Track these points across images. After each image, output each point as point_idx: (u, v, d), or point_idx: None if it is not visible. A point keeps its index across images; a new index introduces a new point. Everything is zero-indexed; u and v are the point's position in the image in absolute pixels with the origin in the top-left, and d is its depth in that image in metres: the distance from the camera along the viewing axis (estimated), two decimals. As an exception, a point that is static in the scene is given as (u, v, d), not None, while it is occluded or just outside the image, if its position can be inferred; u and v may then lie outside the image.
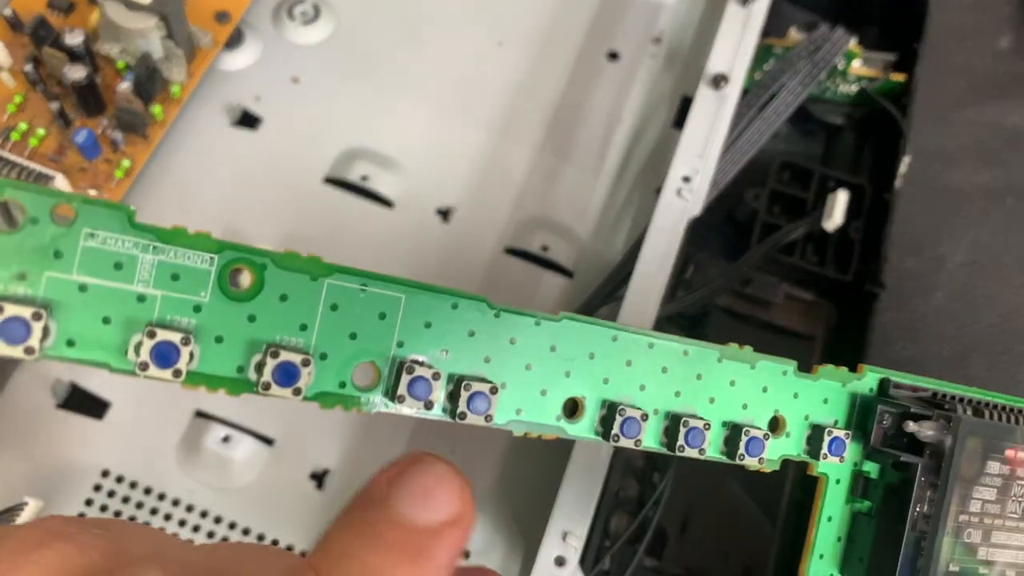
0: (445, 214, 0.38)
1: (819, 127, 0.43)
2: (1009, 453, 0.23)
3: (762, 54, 0.41)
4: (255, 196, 0.37)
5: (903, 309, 0.39)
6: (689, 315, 0.37)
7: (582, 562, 0.29)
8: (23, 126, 0.34)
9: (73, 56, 0.34)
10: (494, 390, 0.19)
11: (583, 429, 0.20)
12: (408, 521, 0.16)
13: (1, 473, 0.31)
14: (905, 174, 0.39)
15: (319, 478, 0.33)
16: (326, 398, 0.18)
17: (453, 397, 0.19)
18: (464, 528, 0.16)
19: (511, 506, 0.34)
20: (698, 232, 0.35)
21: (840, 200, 0.37)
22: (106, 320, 0.17)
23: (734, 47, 0.39)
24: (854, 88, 0.42)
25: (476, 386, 0.19)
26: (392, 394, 0.18)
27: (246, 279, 0.18)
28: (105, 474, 0.32)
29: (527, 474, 0.34)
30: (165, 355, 0.17)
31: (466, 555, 0.33)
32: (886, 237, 0.37)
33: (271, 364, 0.17)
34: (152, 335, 0.17)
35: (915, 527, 0.22)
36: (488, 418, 0.19)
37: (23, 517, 0.29)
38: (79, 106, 0.35)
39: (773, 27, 0.41)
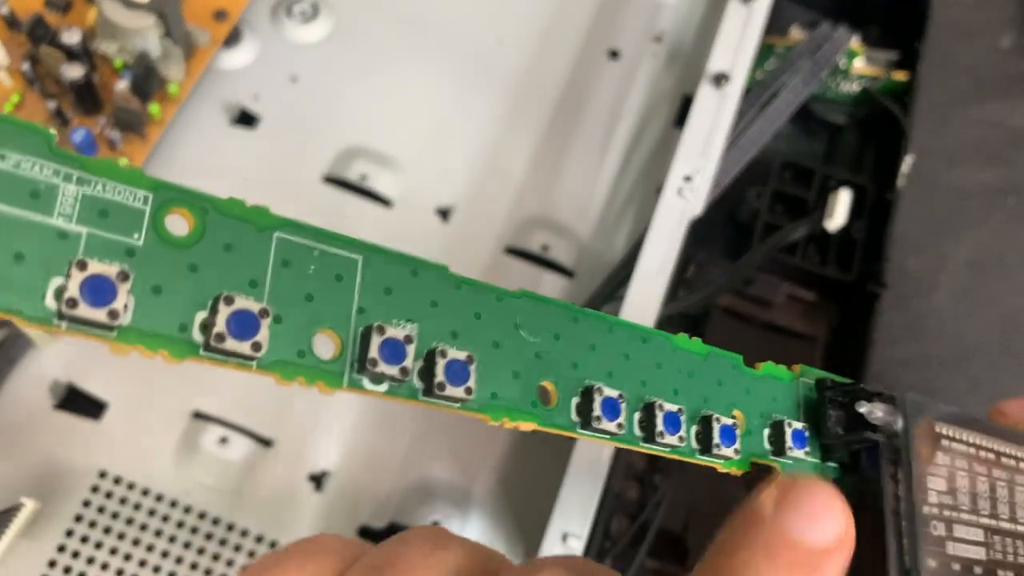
0: (445, 213, 0.38)
1: (821, 126, 0.43)
2: (945, 442, 0.22)
3: (764, 53, 0.41)
4: (253, 195, 0.37)
5: (905, 309, 0.39)
6: (690, 315, 0.37)
7: (583, 564, 0.29)
8: (20, 125, 0.34)
9: (70, 55, 0.34)
10: (471, 359, 0.17)
11: (560, 415, 0.18)
12: (801, 542, 0.17)
13: (-2, 474, 0.31)
14: (907, 173, 0.39)
15: (317, 480, 0.33)
16: (284, 368, 0.15)
17: (426, 373, 0.17)
18: (850, 547, 0.18)
19: (511, 506, 0.33)
20: (699, 232, 0.35)
21: (842, 200, 0.37)
22: (19, 257, 0.14)
23: (735, 46, 0.38)
24: (856, 87, 0.42)
25: (452, 353, 0.17)
26: (361, 364, 0.16)
27: (184, 223, 0.15)
28: (102, 475, 0.32)
29: (527, 475, 0.34)
30: (100, 290, 0.14)
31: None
32: (888, 237, 0.37)
33: (225, 312, 0.15)
34: (83, 266, 0.14)
35: (895, 511, 0.21)
36: (468, 390, 0.17)
37: (20, 518, 0.29)
38: (77, 105, 0.35)
39: (775, 26, 0.41)
